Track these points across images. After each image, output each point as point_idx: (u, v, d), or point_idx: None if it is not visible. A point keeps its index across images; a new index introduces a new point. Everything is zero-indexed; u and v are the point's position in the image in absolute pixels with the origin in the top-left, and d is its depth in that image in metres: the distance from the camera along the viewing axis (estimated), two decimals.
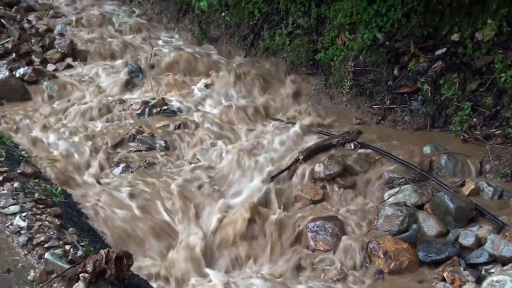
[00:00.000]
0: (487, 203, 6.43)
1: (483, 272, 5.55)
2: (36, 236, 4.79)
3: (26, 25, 11.87)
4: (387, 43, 9.11)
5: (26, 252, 4.61)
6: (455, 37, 8.34)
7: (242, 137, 8.59)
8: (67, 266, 4.33)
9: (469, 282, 5.42)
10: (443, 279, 5.55)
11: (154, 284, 5.56)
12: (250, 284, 5.75)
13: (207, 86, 10.34)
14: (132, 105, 9.49)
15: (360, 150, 7.60)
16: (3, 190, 5.53)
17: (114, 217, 6.51)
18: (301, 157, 7.45)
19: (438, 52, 8.50)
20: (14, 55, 10.71)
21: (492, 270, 5.50)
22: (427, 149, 7.49)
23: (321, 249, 6.22)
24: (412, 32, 8.85)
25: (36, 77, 10.25)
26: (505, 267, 5.41)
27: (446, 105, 8.11)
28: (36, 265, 4.45)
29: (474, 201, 6.32)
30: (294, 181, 7.34)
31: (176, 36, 13.03)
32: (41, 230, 4.91)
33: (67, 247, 4.71)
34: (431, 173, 7.07)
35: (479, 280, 5.43)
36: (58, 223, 5.15)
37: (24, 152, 7.30)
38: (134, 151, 8.17)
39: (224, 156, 8.04)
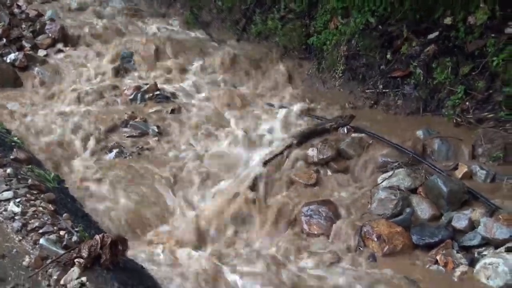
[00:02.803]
0: (479, 186, 6.44)
1: (476, 254, 5.60)
2: (30, 221, 4.80)
3: (16, 10, 11.79)
4: (380, 27, 9.09)
5: (20, 238, 4.61)
6: (447, 20, 8.31)
7: (235, 121, 8.56)
8: (62, 252, 4.34)
9: (462, 264, 5.47)
10: (436, 262, 5.60)
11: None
12: (242, 262, 5.79)
13: (199, 71, 10.30)
14: (124, 90, 9.45)
15: (353, 134, 7.60)
16: None
17: (107, 202, 6.51)
18: (294, 142, 7.46)
19: (431, 35, 8.48)
20: (4, 40, 10.66)
21: (485, 253, 5.54)
22: (420, 133, 7.49)
23: (315, 233, 6.24)
24: (405, 15, 8.79)
25: (27, 62, 10.21)
26: (497, 250, 5.45)
27: (438, 89, 8.12)
28: (31, 251, 4.46)
29: (467, 185, 6.34)
30: (287, 165, 7.32)
31: (168, 21, 12.95)
32: (35, 216, 4.92)
33: (61, 232, 4.73)
34: (424, 157, 7.08)
35: (472, 262, 5.48)
36: (52, 208, 5.16)
37: (16, 138, 7.28)
38: (127, 137, 8.14)
39: (216, 141, 8.04)
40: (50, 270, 4.20)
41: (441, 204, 6.16)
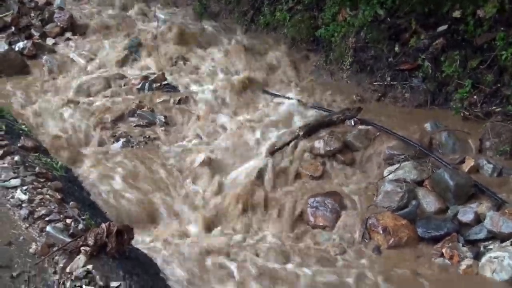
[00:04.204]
0: (486, 180, 6.44)
1: (481, 248, 5.61)
2: (37, 209, 4.81)
3: None
4: (389, 19, 9.05)
5: (27, 225, 4.63)
6: (456, 14, 8.27)
7: (242, 112, 8.56)
8: (68, 239, 4.35)
9: (467, 258, 5.48)
10: (442, 255, 5.61)
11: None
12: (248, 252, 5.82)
13: (207, 61, 10.30)
14: (132, 79, 9.45)
15: (360, 127, 7.59)
16: (4, 163, 5.55)
17: (114, 191, 6.54)
18: (301, 133, 7.45)
19: (440, 29, 8.46)
20: (13, 28, 10.67)
21: (491, 247, 5.55)
22: (427, 126, 7.48)
23: (321, 224, 6.26)
24: (413, 8, 8.76)
25: (35, 51, 10.23)
26: (503, 244, 5.46)
27: (446, 82, 8.10)
28: (38, 238, 4.48)
29: (473, 178, 6.34)
30: (294, 157, 7.32)
31: (176, 11, 12.93)
32: (42, 203, 4.93)
33: (68, 220, 4.74)
34: (431, 150, 7.07)
35: (477, 256, 5.50)
36: (59, 197, 5.17)
37: (24, 126, 7.30)
38: (134, 126, 8.16)
39: (223, 131, 8.04)
40: (56, 257, 4.22)
41: (448, 197, 6.17)
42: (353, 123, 7.70)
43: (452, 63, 7.96)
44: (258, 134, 7.73)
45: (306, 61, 10.14)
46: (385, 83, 8.74)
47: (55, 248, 4.30)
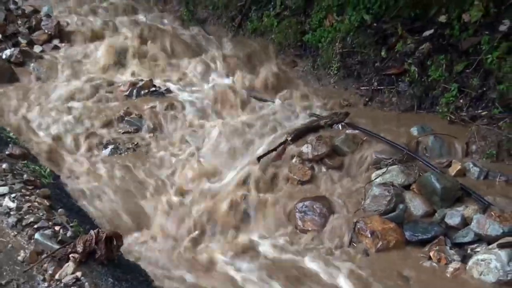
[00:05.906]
0: (473, 183, 6.49)
1: (468, 251, 5.65)
2: (25, 217, 4.81)
3: (12, 6, 11.77)
4: (375, 24, 9.13)
5: (15, 233, 4.63)
6: (442, 18, 8.37)
7: (230, 118, 8.57)
8: (57, 247, 4.35)
9: (455, 261, 5.52)
10: (430, 258, 5.64)
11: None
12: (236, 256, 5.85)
13: (194, 67, 10.31)
14: (120, 86, 9.45)
15: (347, 131, 7.62)
16: None
17: (102, 198, 6.54)
18: (289, 138, 7.46)
19: (426, 33, 8.53)
20: (0, 36, 10.63)
21: (478, 249, 5.59)
22: (414, 130, 7.53)
23: (309, 229, 6.27)
24: (399, 13, 8.86)
25: (23, 58, 10.20)
26: (490, 246, 5.49)
27: (433, 86, 8.17)
28: (26, 246, 4.48)
29: (460, 182, 6.38)
30: (282, 162, 7.34)
31: (164, 17, 12.94)
32: (30, 211, 4.93)
33: (56, 228, 4.74)
34: (418, 154, 7.11)
35: (464, 259, 5.54)
36: (48, 204, 5.17)
37: (12, 134, 7.28)
38: (123, 133, 8.16)
39: (211, 137, 8.04)
40: (45, 265, 4.22)
41: (435, 200, 6.20)
42: (340, 128, 7.74)
43: (438, 67, 8.03)
44: (246, 139, 7.75)
45: (294, 66, 10.18)
46: (372, 87, 8.81)
47: (43, 256, 4.30)
